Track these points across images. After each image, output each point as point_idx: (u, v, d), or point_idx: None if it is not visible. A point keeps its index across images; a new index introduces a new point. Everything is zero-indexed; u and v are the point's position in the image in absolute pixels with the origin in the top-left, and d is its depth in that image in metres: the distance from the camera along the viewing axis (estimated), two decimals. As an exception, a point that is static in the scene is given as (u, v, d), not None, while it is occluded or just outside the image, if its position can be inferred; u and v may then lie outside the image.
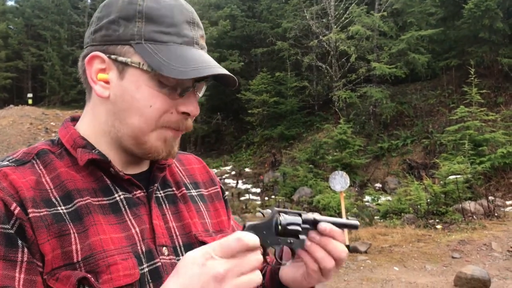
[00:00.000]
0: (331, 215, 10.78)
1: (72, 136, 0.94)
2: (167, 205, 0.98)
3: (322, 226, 0.92)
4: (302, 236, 0.91)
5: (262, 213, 0.89)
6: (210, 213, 1.07)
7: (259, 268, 0.79)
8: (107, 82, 0.90)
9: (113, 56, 0.89)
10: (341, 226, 0.94)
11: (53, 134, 21.68)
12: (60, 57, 35.56)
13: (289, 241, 0.90)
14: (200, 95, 0.96)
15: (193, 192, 1.07)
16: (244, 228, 0.85)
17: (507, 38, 16.14)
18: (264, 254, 0.85)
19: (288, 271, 1.01)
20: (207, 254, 0.75)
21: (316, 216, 0.93)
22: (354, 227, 0.98)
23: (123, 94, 0.89)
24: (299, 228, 0.90)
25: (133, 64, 0.88)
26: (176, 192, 1.02)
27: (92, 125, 0.95)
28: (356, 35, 17.84)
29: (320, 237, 0.92)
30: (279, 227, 0.87)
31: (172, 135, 0.92)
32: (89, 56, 0.90)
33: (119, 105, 0.90)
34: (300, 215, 0.91)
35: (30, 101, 30.35)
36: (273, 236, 0.88)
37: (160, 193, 0.99)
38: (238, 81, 0.93)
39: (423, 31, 16.65)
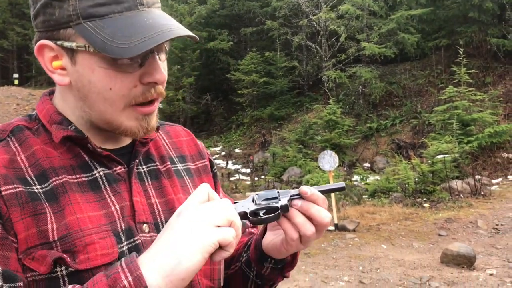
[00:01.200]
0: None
1: (48, 111, 0.91)
2: (149, 180, 0.96)
3: (304, 189, 0.89)
4: (283, 199, 0.90)
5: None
6: (197, 187, 1.04)
7: (240, 230, 0.79)
8: (63, 68, 0.86)
9: (59, 42, 0.83)
10: (328, 191, 0.93)
11: (16, 117, 21.44)
12: (46, 36, 34.95)
13: (269, 203, 0.89)
14: (164, 57, 0.90)
15: (179, 166, 1.04)
16: None
17: (496, 18, 16.16)
18: (245, 217, 0.86)
19: (268, 237, 1.00)
20: (180, 209, 0.78)
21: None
22: (341, 189, 0.95)
23: (81, 80, 0.84)
24: (276, 195, 0.90)
25: (79, 48, 0.82)
26: (160, 166, 0.99)
27: (65, 107, 0.92)
28: (346, 14, 17.75)
29: (302, 202, 0.90)
30: (256, 195, 0.89)
31: (142, 113, 0.87)
32: (36, 46, 0.86)
33: (82, 91, 0.86)
34: (278, 191, 0.91)
35: (16, 82, 29.89)
36: (252, 204, 0.89)
37: (143, 168, 0.96)
38: (196, 38, 0.86)
39: (413, 11, 16.61)
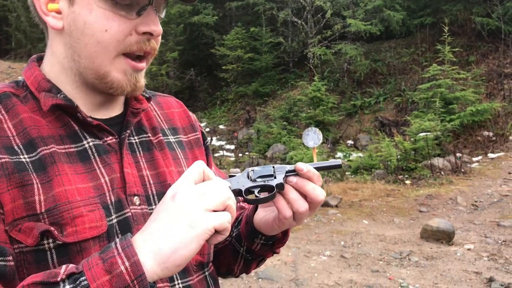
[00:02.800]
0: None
1: (36, 78, 0.88)
2: (141, 152, 0.93)
3: (299, 166, 0.88)
4: (278, 176, 0.88)
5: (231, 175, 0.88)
6: (189, 160, 1.02)
7: (233, 211, 0.77)
8: (58, 12, 0.84)
9: None
10: (324, 168, 0.92)
11: (1, 83, 21.03)
12: (26, 7, 33.80)
13: (264, 181, 0.87)
14: (162, 15, 0.89)
15: (171, 139, 1.02)
16: None
17: (482, -4, 16.19)
18: (240, 195, 0.84)
19: (260, 214, 0.99)
20: (173, 190, 0.74)
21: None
22: (337, 166, 0.93)
23: (76, 22, 0.82)
24: (271, 172, 0.88)
25: None
26: (152, 138, 0.97)
27: (53, 63, 0.89)
28: (332, -10, 17.59)
29: (297, 179, 0.88)
30: (252, 171, 0.87)
31: (132, 67, 0.86)
32: None
33: (74, 34, 0.83)
34: (273, 167, 0.89)
35: (-5, 54, 29.17)
36: (247, 180, 0.86)
37: (135, 139, 0.94)
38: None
39: (399, -12, 16.54)
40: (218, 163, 13.23)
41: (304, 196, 0.89)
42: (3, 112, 0.84)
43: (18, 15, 33.16)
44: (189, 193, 0.73)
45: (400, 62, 17.44)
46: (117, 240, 0.73)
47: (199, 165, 0.78)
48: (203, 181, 0.77)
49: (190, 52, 22.29)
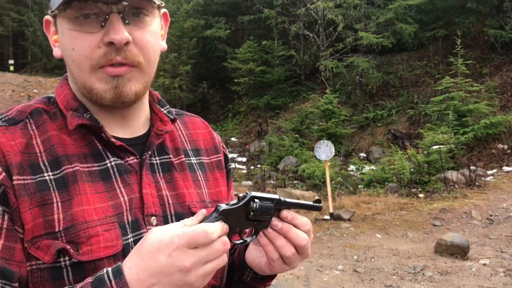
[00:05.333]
0: (315, 184, 10.94)
1: (66, 96, 0.91)
2: (161, 173, 0.95)
3: (284, 213, 0.90)
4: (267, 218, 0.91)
5: (238, 196, 0.88)
6: (209, 182, 1.04)
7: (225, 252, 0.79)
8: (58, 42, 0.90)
9: (51, 14, 0.88)
10: (305, 208, 0.96)
11: (36, 97, 21.28)
12: (42, 22, 34.49)
13: (255, 223, 0.89)
14: (139, 20, 0.87)
15: (193, 160, 1.03)
16: (215, 209, 0.83)
17: (494, 8, 16.10)
18: (230, 234, 0.84)
19: (254, 254, 1.00)
20: (173, 244, 0.74)
21: (287, 200, 0.92)
22: (318, 208, 0.98)
23: (61, 47, 0.89)
24: (268, 216, 0.90)
25: (53, 13, 0.87)
26: (173, 159, 0.98)
27: (70, 84, 0.95)
28: (344, 3, 17.65)
29: (281, 224, 0.90)
30: (251, 213, 0.87)
31: (108, 74, 0.85)
32: (44, 22, 0.92)
33: (65, 59, 0.89)
34: (272, 201, 0.89)
35: (11, 68, 29.66)
36: (243, 220, 0.87)
37: (156, 160, 0.96)
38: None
39: (411, 1, 16.52)
40: (230, 176, 13.21)
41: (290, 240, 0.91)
42: (33, 127, 0.88)
43: (35, 29, 33.75)
44: (184, 257, 0.74)
45: (412, 75, 17.39)
46: (110, 270, 0.75)
47: (201, 230, 0.76)
48: (202, 244, 0.76)
49: (203, 66, 22.47)
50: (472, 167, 10.60)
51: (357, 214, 8.30)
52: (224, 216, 0.83)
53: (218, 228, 0.78)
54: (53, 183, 0.83)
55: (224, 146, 1.15)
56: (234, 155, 16.92)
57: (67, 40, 0.86)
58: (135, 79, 0.88)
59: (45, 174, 0.83)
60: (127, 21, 0.84)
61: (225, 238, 0.79)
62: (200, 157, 1.06)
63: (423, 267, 5.75)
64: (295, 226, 0.91)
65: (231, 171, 1.15)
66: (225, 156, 1.13)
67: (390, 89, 17.52)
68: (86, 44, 0.84)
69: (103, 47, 0.84)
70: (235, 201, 0.87)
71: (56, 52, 0.91)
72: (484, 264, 5.79)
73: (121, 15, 0.83)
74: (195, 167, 1.03)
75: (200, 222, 0.80)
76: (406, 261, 6.00)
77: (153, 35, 0.89)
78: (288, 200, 0.92)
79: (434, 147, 10.99)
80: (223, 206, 0.84)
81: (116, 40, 0.82)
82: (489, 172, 11.04)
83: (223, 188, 1.08)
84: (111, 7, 0.82)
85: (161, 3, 0.91)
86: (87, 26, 0.83)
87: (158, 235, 0.75)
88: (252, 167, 14.66)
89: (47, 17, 0.90)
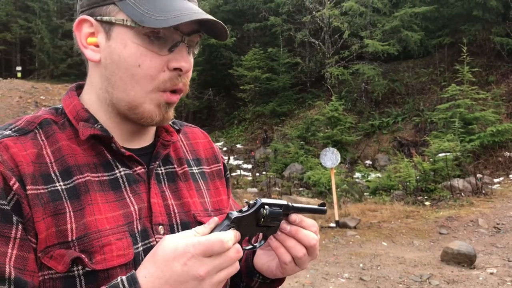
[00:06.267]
0: (321, 192, 10.91)
1: (75, 107, 0.92)
2: (166, 183, 0.97)
3: (293, 217, 0.94)
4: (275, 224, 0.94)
5: (248, 203, 0.89)
6: (210, 191, 1.06)
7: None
8: (97, 45, 0.89)
9: (99, 18, 0.87)
10: (310, 211, 0.99)
11: (43, 108, 21.42)
12: (49, 29, 34.89)
13: (264, 229, 0.92)
14: (196, 51, 0.94)
15: (195, 170, 1.05)
16: (227, 216, 0.84)
17: (500, 16, 16.09)
18: (240, 241, 0.85)
19: (263, 258, 1.02)
20: (188, 253, 0.75)
21: (294, 205, 0.95)
22: (322, 211, 1.02)
23: (111, 55, 0.87)
24: (277, 222, 0.93)
25: (117, 22, 0.86)
26: (177, 169, 1.01)
27: (91, 93, 0.94)
28: (349, 11, 17.69)
29: (290, 227, 0.93)
30: (262, 220, 0.89)
31: (168, 100, 0.90)
32: (77, 21, 0.89)
33: (110, 67, 0.88)
34: (281, 207, 0.92)
35: (19, 74, 29.88)
36: (254, 227, 0.89)
37: (161, 170, 0.97)
38: (228, 34, 0.90)
39: (417, 8, 16.56)
40: (235, 183, 13.24)
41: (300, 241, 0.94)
42: (43, 138, 0.88)
43: (42, 36, 34.04)
44: (199, 265, 0.75)
45: (418, 82, 17.37)
46: (125, 279, 0.76)
47: (216, 239, 0.77)
48: (217, 252, 0.77)
49: (209, 73, 22.56)
50: (478, 175, 10.55)
51: (363, 222, 8.27)
52: (236, 223, 0.84)
53: (232, 236, 0.79)
54: (64, 193, 0.84)
55: (222, 156, 1.18)
56: (240, 162, 16.93)
57: (131, 54, 0.86)
58: (174, 105, 0.93)
59: (57, 184, 0.84)
60: (189, 51, 0.90)
61: (238, 246, 0.80)
62: (201, 167, 1.08)
63: (429, 276, 5.71)
64: (303, 228, 0.94)
65: (230, 180, 1.17)
66: (224, 165, 1.15)
67: (395, 97, 17.50)
68: (153, 64, 0.86)
69: (167, 71, 0.87)
70: (245, 208, 0.89)
71: (92, 56, 0.89)
72: (491, 273, 5.74)
73: (187, 45, 0.89)
74: (197, 176, 1.05)
75: (213, 230, 0.81)
76: (412, 270, 5.97)
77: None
78: (295, 205, 0.96)
79: (440, 154, 10.95)
80: (235, 214, 0.85)
81: (185, 67, 0.88)
82: (495, 180, 10.97)
83: (224, 197, 1.09)
84: (185, 38, 0.87)
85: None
86: (156, 47, 0.86)
87: (172, 244, 0.76)
88: (257, 174, 14.65)
89: (86, 16, 0.88)
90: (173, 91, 0.90)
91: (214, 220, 0.83)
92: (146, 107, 0.89)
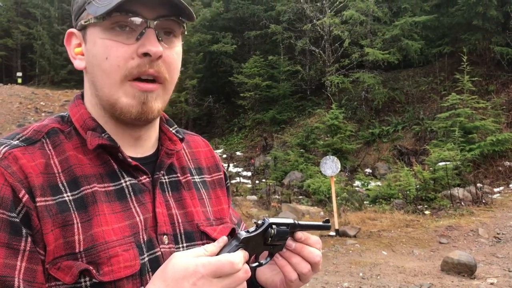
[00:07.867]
0: (321, 200, 10.89)
1: (82, 116, 0.92)
2: (170, 191, 0.97)
3: (299, 235, 0.95)
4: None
5: (257, 223, 0.91)
6: (212, 200, 1.06)
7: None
8: (82, 54, 0.91)
9: (78, 26, 0.90)
10: (315, 228, 1.02)
11: (43, 114, 21.46)
12: (50, 36, 35.01)
13: (271, 247, 0.94)
14: (171, 41, 0.91)
15: (196, 178, 1.05)
16: (236, 236, 0.85)
17: (500, 26, 16.14)
18: (249, 260, 0.86)
19: (266, 273, 1.03)
20: (198, 273, 0.75)
21: (300, 222, 0.98)
22: (327, 228, 1.05)
23: (88, 58, 0.89)
24: (284, 241, 0.95)
25: (86, 23, 0.87)
26: (180, 178, 1.01)
27: (87, 101, 0.95)
28: (350, 19, 17.74)
29: (295, 244, 0.95)
30: (269, 239, 0.91)
31: (140, 89, 0.87)
32: (65, 35, 0.93)
33: (90, 70, 0.90)
34: (288, 226, 0.94)
35: (19, 80, 29.97)
36: (261, 245, 0.91)
37: (165, 179, 0.97)
38: (194, 17, 0.89)
39: (417, 17, 16.60)
40: (235, 190, 13.22)
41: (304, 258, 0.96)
42: (50, 147, 0.88)
43: (43, 42, 34.15)
44: (211, 286, 0.75)
45: (418, 91, 17.39)
46: None
47: (226, 260, 0.78)
48: (227, 274, 0.77)
49: (209, 80, 22.60)
50: (478, 184, 10.52)
51: (363, 231, 8.23)
52: (244, 244, 0.85)
53: (242, 257, 0.80)
54: (72, 203, 0.84)
55: (223, 164, 1.18)
56: (239, 169, 16.90)
57: (99, 49, 0.86)
58: (159, 96, 0.90)
59: (65, 195, 0.84)
60: (160, 38, 0.87)
61: (247, 267, 0.81)
62: (202, 176, 1.08)
63: (429, 286, 5.68)
64: (308, 245, 0.96)
65: (230, 189, 1.17)
66: (225, 174, 1.15)
67: (396, 105, 17.52)
68: (120, 54, 0.85)
69: (137, 59, 0.86)
70: (253, 228, 0.90)
71: (79, 64, 0.91)
72: (491, 283, 5.71)
73: (156, 31, 0.87)
74: (199, 185, 1.05)
75: (221, 249, 0.82)
76: (412, 279, 5.93)
77: (177, 55, 0.93)
78: (301, 222, 0.97)
79: (440, 163, 10.93)
80: (244, 234, 0.86)
81: (152, 51, 0.85)
82: (495, 190, 10.95)
83: (225, 205, 1.09)
84: (149, 22, 0.85)
85: (185, 30, 0.94)
86: (122, 37, 0.86)
87: (183, 262, 0.76)
88: (257, 182, 14.63)
89: (71, 29, 0.92)
90: (149, 80, 0.88)
91: (224, 239, 0.83)
92: (123, 100, 0.87)
